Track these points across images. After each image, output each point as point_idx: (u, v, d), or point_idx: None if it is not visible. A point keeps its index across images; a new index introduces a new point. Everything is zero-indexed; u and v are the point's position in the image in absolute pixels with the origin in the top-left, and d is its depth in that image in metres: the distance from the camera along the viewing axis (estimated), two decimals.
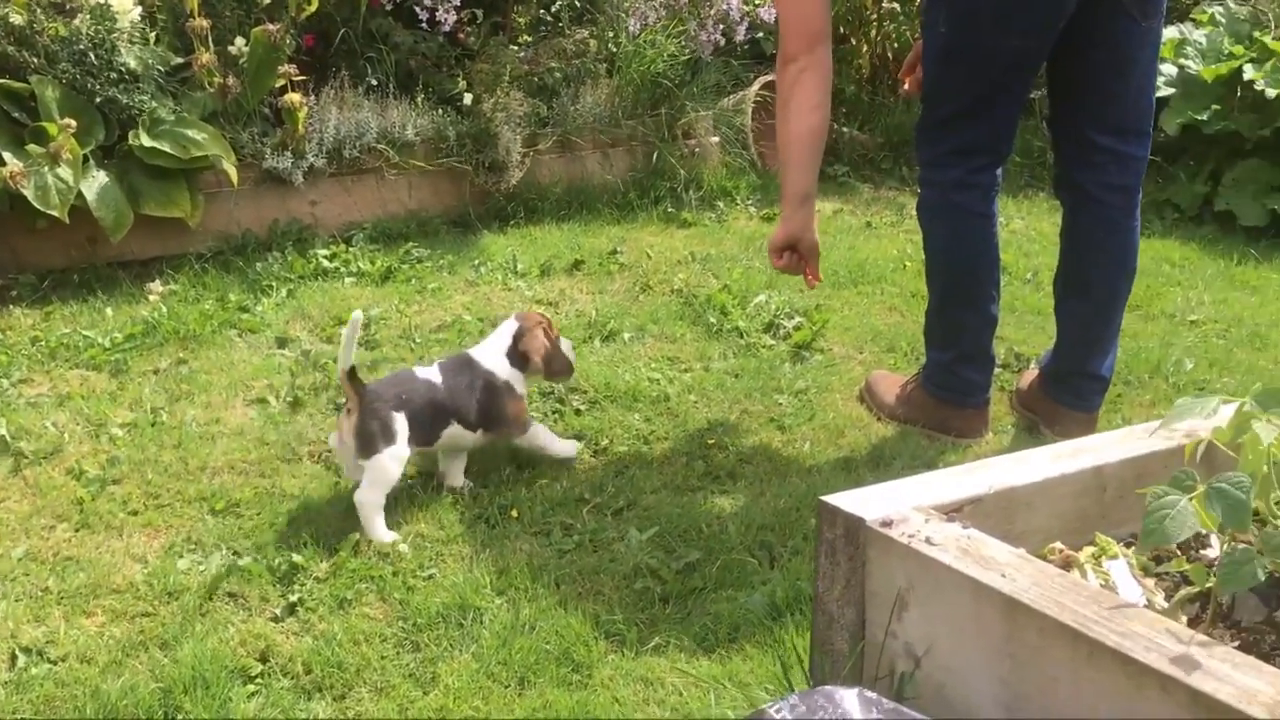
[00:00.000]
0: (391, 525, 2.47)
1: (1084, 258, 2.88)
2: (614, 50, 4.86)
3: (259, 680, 2.02)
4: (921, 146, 2.90)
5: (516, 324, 2.73)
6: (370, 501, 2.43)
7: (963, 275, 2.87)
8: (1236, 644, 1.55)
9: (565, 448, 2.77)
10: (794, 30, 2.73)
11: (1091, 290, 2.88)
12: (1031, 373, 3.13)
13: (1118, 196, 2.80)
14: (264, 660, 2.07)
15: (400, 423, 2.48)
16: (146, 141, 3.80)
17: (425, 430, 2.54)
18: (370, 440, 2.45)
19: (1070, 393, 2.93)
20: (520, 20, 4.82)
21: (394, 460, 2.46)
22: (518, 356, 2.68)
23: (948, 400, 2.92)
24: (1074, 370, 2.92)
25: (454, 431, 2.60)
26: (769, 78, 5.24)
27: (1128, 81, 2.72)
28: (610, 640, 2.12)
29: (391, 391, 2.52)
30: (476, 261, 4.06)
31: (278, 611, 2.20)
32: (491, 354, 2.69)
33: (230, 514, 2.54)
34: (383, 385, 2.56)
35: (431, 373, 2.62)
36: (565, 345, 2.80)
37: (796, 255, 2.88)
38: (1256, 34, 5.07)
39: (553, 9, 4.91)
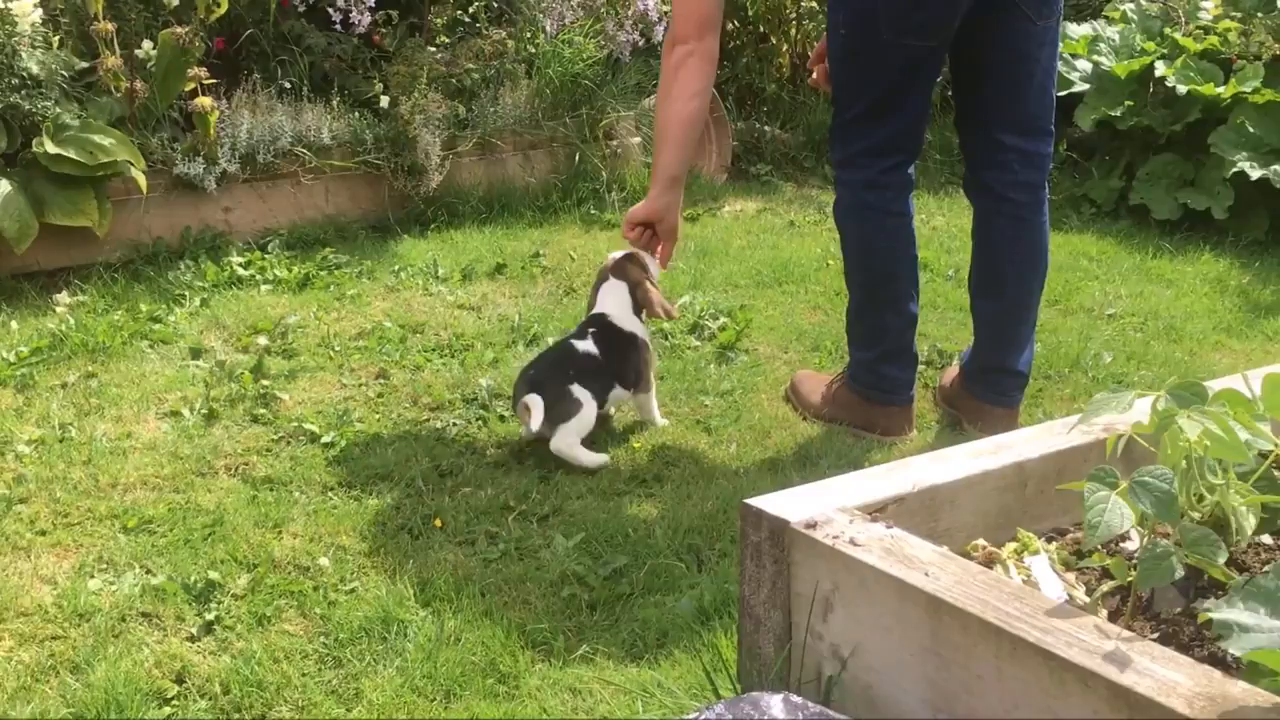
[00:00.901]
0: (312, 538, 2.43)
1: (995, 256, 2.92)
2: (532, 51, 4.83)
3: (175, 702, 1.96)
4: (834, 147, 2.93)
5: (622, 282, 2.87)
6: (568, 442, 2.71)
7: (881, 275, 2.90)
8: (1156, 636, 1.55)
9: (661, 419, 2.98)
10: (686, 15, 2.76)
11: (1005, 288, 2.92)
12: (953, 370, 3.17)
13: (1024, 194, 2.84)
14: (180, 681, 2.01)
15: (582, 393, 2.75)
16: (51, 148, 3.68)
17: (599, 396, 2.80)
18: (565, 415, 2.72)
19: (990, 389, 2.96)
20: (437, 21, 4.76)
21: (588, 422, 2.76)
22: (640, 311, 2.88)
23: (872, 399, 2.94)
24: (992, 366, 2.96)
25: (617, 393, 2.86)
26: None
27: (1028, 80, 2.77)
28: (537, 650, 2.09)
29: (566, 368, 2.79)
30: (396, 267, 4.01)
31: (194, 631, 2.14)
32: (624, 316, 2.88)
33: (143, 531, 2.46)
34: (554, 362, 2.83)
35: (588, 345, 2.83)
36: (653, 265, 2.95)
37: (650, 233, 2.92)
38: (1168, 30, 5.19)
39: (470, 9, 4.86)
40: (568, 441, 2.70)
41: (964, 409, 3.02)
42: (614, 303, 2.89)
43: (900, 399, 2.95)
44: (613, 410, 2.95)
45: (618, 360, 2.84)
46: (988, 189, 2.88)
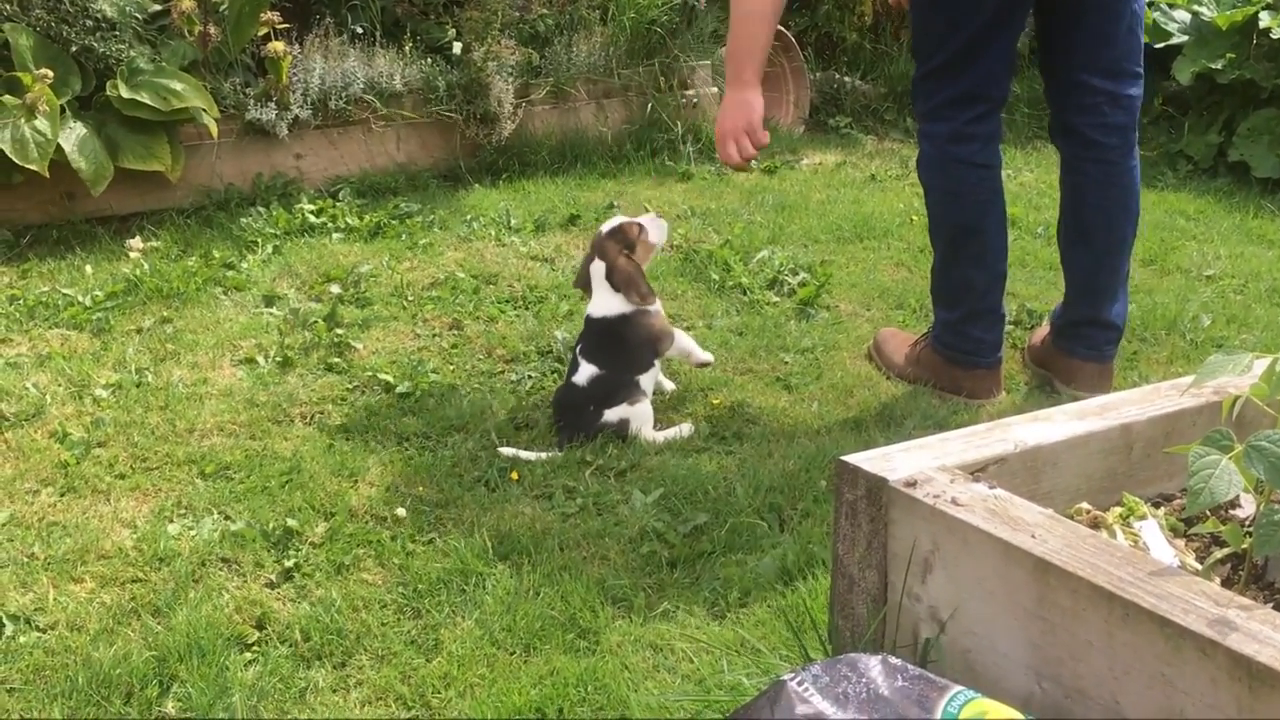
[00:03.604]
0: (389, 488, 2.40)
1: (1084, 202, 2.82)
2: None
3: (256, 648, 1.95)
4: (917, 100, 2.83)
5: (602, 264, 2.69)
6: (648, 437, 2.64)
7: (965, 230, 2.79)
8: (1271, 605, 1.49)
9: (706, 356, 2.81)
10: None
11: (1094, 235, 2.82)
12: (1043, 329, 3.06)
13: (1113, 137, 2.74)
14: (261, 627, 2.00)
15: (616, 410, 2.64)
16: (126, 93, 3.68)
17: (637, 395, 2.65)
18: (623, 433, 2.64)
19: (1082, 343, 2.86)
20: None
21: (646, 416, 2.66)
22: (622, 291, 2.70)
23: (957, 361, 2.85)
24: (1084, 319, 2.85)
25: (649, 375, 2.69)
26: None
27: (1117, 22, 2.67)
28: (617, 606, 2.06)
29: (586, 406, 2.65)
30: (468, 216, 3.97)
31: (273, 577, 2.13)
32: (610, 303, 2.69)
33: (221, 477, 2.46)
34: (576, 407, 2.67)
35: (589, 370, 2.65)
36: (654, 230, 2.76)
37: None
38: None
39: None
40: (647, 437, 2.63)
41: (1055, 367, 2.92)
42: (599, 288, 2.70)
43: (987, 361, 2.85)
44: (662, 378, 2.83)
45: (625, 355, 2.66)
46: (1075, 133, 2.77)
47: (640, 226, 2.73)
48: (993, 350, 2.86)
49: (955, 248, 2.82)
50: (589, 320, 2.72)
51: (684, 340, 2.77)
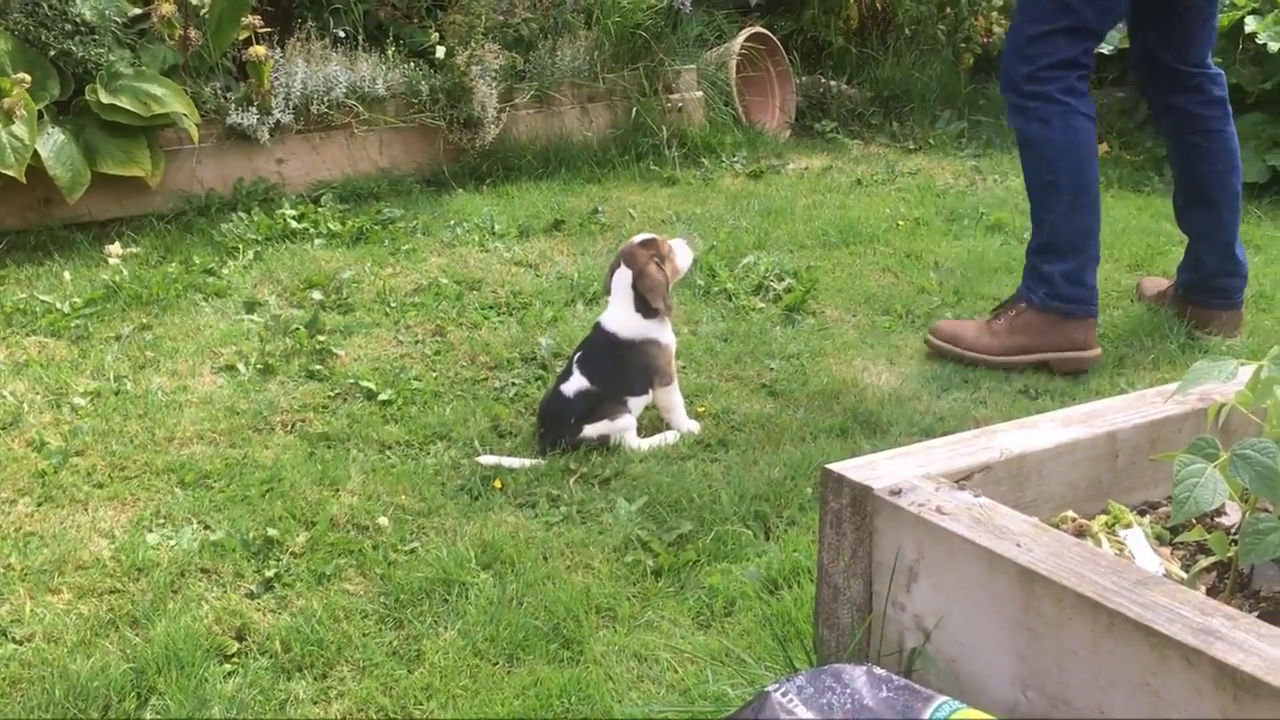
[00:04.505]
0: (370, 496, 2.39)
1: (1197, 170, 3.19)
2: (591, 0, 4.74)
3: (236, 659, 1.93)
4: (1023, 63, 2.97)
5: (629, 271, 2.65)
6: (629, 442, 2.62)
7: (1085, 178, 2.97)
8: (1257, 614, 1.50)
9: (689, 425, 2.70)
10: None
11: (1211, 196, 3.19)
12: (1157, 281, 3.46)
13: (1213, 109, 3.17)
14: (241, 638, 1.97)
15: (596, 425, 2.60)
16: (105, 98, 3.65)
17: (620, 413, 2.62)
18: (605, 443, 2.62)
19: (1216, 294, 3.22)
20: None
21: (628, 425, 2.64)
22: (645, 305, 2.64)
23: (1072, 313, 2.98)
24: (1213, 271, 3.22)
25: (636, 401, 2.65)
26: (753, 29, 5.13)
27: (1205, 22, 3.11)
28: (601, 615, 2.04)
29: (568, 418, 2.61)
30: (452, 222, 3.95)
31: (254, 588, 2.11)
32: (624, 318, 2.65)
33: (200, 486, 2.43)
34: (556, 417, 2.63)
35: (579, 383, 2.60)
36: (682, 254, 2.74)
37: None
38: None
39: None
40: (631, 444, 2.60)
41: (1190, 316, 3.25)
42: (618, 299, 2.66)
43: (1094, 309, 3.02)
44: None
45: (621, 377, 2.63)
46: (1179, 110, 3.18)
47: (671, 246, 2.72)
48: (1096, 298, 3.04)
49: (1076, 195, 2.98)
50: (598, 328, 2.68)
51: (677, 395, 2.70)
